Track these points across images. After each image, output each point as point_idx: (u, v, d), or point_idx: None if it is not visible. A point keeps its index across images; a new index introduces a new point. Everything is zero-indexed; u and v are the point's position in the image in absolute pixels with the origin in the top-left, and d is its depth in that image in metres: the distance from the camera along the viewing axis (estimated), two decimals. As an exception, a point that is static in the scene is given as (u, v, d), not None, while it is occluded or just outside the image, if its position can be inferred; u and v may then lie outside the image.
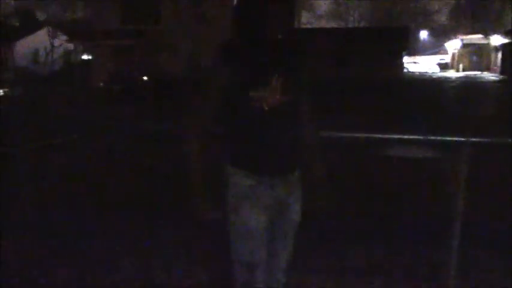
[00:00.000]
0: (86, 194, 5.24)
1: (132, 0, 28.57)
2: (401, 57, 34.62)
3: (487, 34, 43.67)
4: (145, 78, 23.80)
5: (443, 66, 51.67)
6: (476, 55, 48.38)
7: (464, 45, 48.95)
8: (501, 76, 37.65)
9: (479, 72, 44.23)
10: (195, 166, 2.20)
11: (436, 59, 54.89)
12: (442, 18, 63.99)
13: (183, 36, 26.87)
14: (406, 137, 3.83)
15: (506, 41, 39.34)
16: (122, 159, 7.13)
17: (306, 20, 59.81)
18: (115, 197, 5.14)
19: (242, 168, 2.19)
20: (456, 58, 51.26)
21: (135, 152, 7.47)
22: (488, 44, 44.68)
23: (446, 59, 54.25)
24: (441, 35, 55.56)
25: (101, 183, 5.63)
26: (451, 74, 44.94)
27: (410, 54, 51.42)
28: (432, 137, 3.59)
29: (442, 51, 56.50)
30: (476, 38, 46.51)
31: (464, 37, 48.88)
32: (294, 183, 2.28)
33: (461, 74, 44.61)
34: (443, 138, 3.29)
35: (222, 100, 2.15)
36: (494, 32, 43.37)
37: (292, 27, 2.17)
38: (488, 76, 40.09)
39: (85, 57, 36.88)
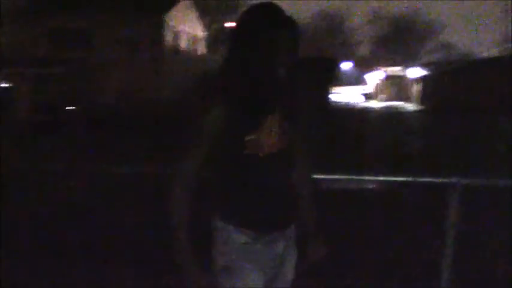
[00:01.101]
0: None
1: (61, 27, 27.81)
2: (328, 88, 35.73)
3: (406, 66, 46.16)
4: (72, 107, 22.97)
5: (366, 97, 53.83)
6: (396, 86, 50.89)
7: (386, 77, 51.43)
8: (421, 106, 39.74)
9: (400, 103, 46.44)
10: (180, 226, 1.90)
11: (359, 89, 57.16)
12: (364, 50, 67.12)
13: (116, 65, 26.37)
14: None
15: (423, 73, 41.80)
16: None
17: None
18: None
19: (235, 223, 1.92)
20: (378, 89, 53.67)
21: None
22: (408, 75, 47.19)
23: (368, 89, 56.66)
24: (363, 66, 58.05)
25: None
26: (374, 104, 46.89)
27: (335, 84, 53.17)
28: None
29: (364, 83, 58.97)
30: (397, 70, 49.05)
31: (385, 69, 51.41)
32: (291, 238, 2.07)
33: (383, 104, 46.65)
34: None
35: (212, 145, 1.89)
36: (413, 64, 45.98)
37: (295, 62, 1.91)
38: (409, 106, 42.19)
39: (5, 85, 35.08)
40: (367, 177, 3.59)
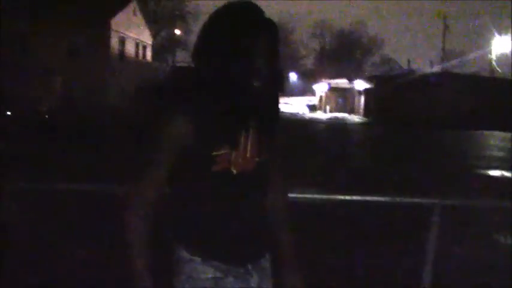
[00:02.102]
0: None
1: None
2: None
3: (351, 79, 47.25)
4: (8, 113, 21.82)
5: (312, 108, 54.66)
6: (341, 98, 51.96)
7: (331, 89, 52.45)
8: (364, 118, 40.70)
9: (345, 114, 47.40)
10: (140, 257, 1.59)
11: (305, 100, 57.97)
12: (309, 63, 68.39)
13: (57, 70, 25.39)
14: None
15: (367, 86, 42.86)
16: None
17: (180, 58, 60.13)
18: None
19: (202, 254, 1.61)
20: (323, 100, 54.59)
21: None
22: (352, 88, 48.30)
23: (314, 100, 57.56)
24: (309, 78, 59.01)
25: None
26: (320, 115, 47.63)
27: (282, 95, 53.78)
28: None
29: (310, 94, 59.89)
30: (342, 82, 50.13)
31: (330, 81, 52.45)
32: (266, 269, 1.75)
33: (328, 115, 47.46)
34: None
35: (176, 160, 1.57)
36: (357, 77, 47.15)
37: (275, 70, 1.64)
38: (354, 118, 43.11)
39: None
40: (339, 197, 3.34)
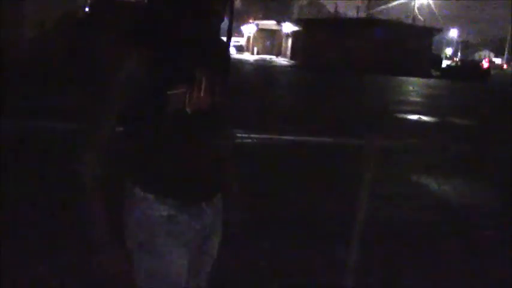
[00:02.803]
0: None
1: None
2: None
3: (279, 21, 47.07)
4: None
5: (239, 49, 54.21)
6: (269, 40, 51.83)
7: (259, 30, 52.08)
8: (291, 61, 41.07)
9: (272, 56, 47.48)
10: (94, 198, 1.58)
11: (232, 41, 57.20)
12: (237, 2, 67.03)
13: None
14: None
15: (295, 28, 43.00)
16: None
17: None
18: None
19: (156, 191, 1.62)
20: (251, 41, 54.23)
21: None
22: (280, 30, 48.23)
23: (242, 41, 57.04)
24: (237, 18, 58.04)
25: None
26: (247, 56, 47.41)
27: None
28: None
29: (238, 34, 59.16)
30: (270, 23, 49.83)
31: (259, 22, 51.99)
32: (219, 207, 1.81)
33: (256, 57, 47.35)
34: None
35: (129, 99, 1.54)
36: (286, 19, 47.02)
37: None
38: (281, 60, 43.33)
39: None
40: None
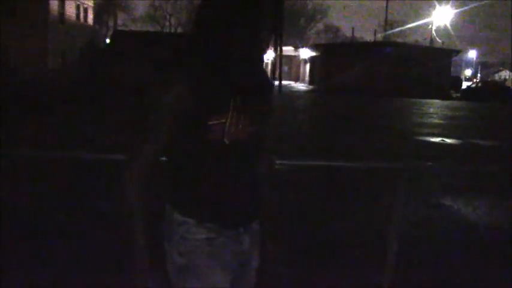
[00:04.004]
0: None
1: None
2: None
3: (296, 47, 47.45)
4: None
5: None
6: (287, 66, 52.18)
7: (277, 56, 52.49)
8: (310, 86, 41.20)
9: (291, 82, 47.71)
10: (139, 217, 1.63)
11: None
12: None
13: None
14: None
15: (312, 54, 43.26)
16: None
17: (121, 21, 58.35)
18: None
19: (196, 216, 1.66)
20: (269, 67, 54.61)
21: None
22: (298, 56, 48.57)
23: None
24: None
25: None
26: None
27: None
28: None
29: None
30: (288, 49, 50.22)
31: (276, 48, 52.38)
32: (257, 232, 1.82)
33: (274, 82, 47.61)
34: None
35: (170, 128, 1.59)
36: (302, 45, 47.40)
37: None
38: (299, 86, 43.51)
39: None
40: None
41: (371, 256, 3.56)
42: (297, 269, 3.67)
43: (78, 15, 36.75)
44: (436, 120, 18.53)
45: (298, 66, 49.65)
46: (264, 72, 1.81)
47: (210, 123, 1.55)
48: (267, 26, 1.56)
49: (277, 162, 2.88)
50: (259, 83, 1.73)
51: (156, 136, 1.61)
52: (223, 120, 1.56)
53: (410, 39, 46.77)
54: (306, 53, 45.33)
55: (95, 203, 4.81)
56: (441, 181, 7.31)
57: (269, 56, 54.60)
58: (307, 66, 45.75)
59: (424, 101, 29.65)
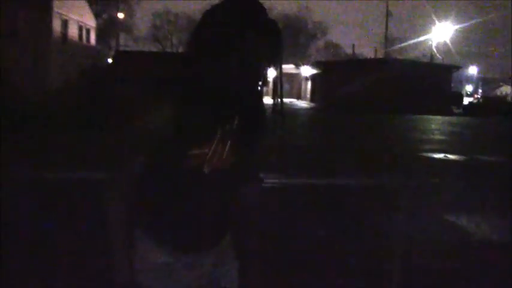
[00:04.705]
0: None
1: None
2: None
3: (297, 65, 47.67)
4: None
5: (259, 93, 54.54)
6: (288, 83, 52.37)
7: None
8: (311, 103, 41.29)
9: (293, 99, 47.84)
10: (117, 235, 1.62)
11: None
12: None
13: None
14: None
15: (313, 71, 43.46)
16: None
17: (123, 41, 58.77)
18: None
19: (156, 237, 1.64)
20: (271, 86, 54.84)
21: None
22: (299, 73, 48.78)
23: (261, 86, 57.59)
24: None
25: None
26: (268, 100, 47.76)
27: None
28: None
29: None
30: (289, 67, 50.47)
31: (277, 66, 52.68)
32: (225, 247, 1.80)
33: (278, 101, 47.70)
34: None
35: (151, 148, 1.56)
36: (303, 62, 47.64)
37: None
38: (301, 103, 43.58)
39: None
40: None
41: (374, 274, 3.51)
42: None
43: (80, 35, 37.08)
44: (438, 136, 18.51)
45: (300, 84, 49.86)
46: (258, 100, 1.72)
47: (191, 152, 1.49)
48: (264, 57, 1.51)
49: (273, 180, 2.87)
50: (251, 113, 1.66)
51: (135, 158, 1.58)
52: (206, 151, 1.49)
53: (410, 56, 47.02)
54: (307, 70, 45.54)
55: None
56: (445, 197, 7.26)
57: (270, 74, 54.98)
58: (309, 83, 45.93)
59: (425, 117, 29.67)
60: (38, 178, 3.45)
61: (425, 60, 44.04)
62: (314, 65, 44.55)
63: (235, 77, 1.50)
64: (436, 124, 25.33)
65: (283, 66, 52.18)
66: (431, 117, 29.98)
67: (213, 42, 1.49)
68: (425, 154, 12.57)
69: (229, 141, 1.52)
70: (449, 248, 5.04)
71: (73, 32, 35.00)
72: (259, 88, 1.62)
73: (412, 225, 4.95)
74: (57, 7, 31.02)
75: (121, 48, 48.08)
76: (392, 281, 3.03)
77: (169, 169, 1.57)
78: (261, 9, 1.52)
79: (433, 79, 35.16)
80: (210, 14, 1.53)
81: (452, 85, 42.86)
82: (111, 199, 1.61)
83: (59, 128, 12.80)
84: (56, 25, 31.29)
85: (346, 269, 4.13)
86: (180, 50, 60.08)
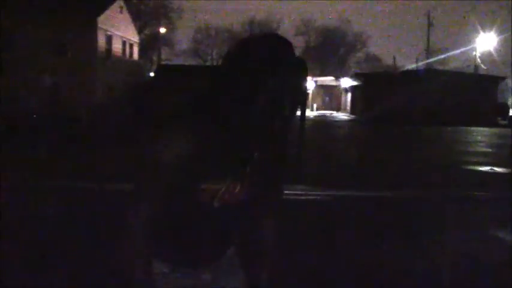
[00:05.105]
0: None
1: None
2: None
3: (337, 76, 47.48)
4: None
5: (298, 106, 54.54)
6: (328, 95, 52.20)
7: (317, 86, 52.64)
8: (351, 115, 40.93)
9: (332, 112, 47.59)
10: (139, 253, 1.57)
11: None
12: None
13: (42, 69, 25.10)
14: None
15: (353, 83, 43.13)
16: None
17: (165, 56, 59.89)
18: None
19: (156, 251, 1.63)
20: (310, 98, 54.79)
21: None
22: (338, 85, 48.54)
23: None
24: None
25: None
26: (307, 113, 47.67)
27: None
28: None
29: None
30: (328, 79, 50.34)
31: (317, 79, 52.63)
32: (228, 264, 1.76)
33: (315, 113, 47.59)
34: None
35: (166, 178, 1.51)
36: (344, 74, 47.38)
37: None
38: (340, 115, 43.29)
39: None
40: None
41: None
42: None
43: (124, 50, 38.06)
44: (484, 149, 18.01)
45: (339, 96, 49.59)
46: (280, 143, 1.63)
47: (205, 187, 1.49)
48: (289, 93, 1.45)
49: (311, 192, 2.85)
50: (271, 150, 1.60)
51: (155, 189, 1.53)
52: (219, 187, 1.48)
53: (453, 67, 46.05)
54: (346, 82, 45.24)
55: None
56: (493, 212, 7.04)
57: (309, 86, 54.89)
58: (348, 95, 45.60)
59: (470, 129, 28.93)
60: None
61: (469, 71, 43.04)
62: (354, 76, 44.21)
63: (261, 114, 1.43)
64: (482, 136, 24.65)
65: (322, 78, 52.13)
66: (476, 128, 29.20)
67: (242, 77, 1.43)
68: (471, 167, 12.25)
69: (242, 181, 1.51)
70: (497, 265, 4.88)
71: (117, 47, 35.96)
72: (283, 125, 1.52)
73: (460, 241, 4.83)
74: (101, 23, 32.00)
75: (163, 62, 49.06)
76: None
77: (178, 199, 1.54)
78: (291, 47, 1.49)
79: (478, 90, 34.31)
80: (243, 47, 1.49)
81: (498, 96, 41.68)
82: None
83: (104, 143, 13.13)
84: (101, 41, 32.24)
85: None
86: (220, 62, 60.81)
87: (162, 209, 1.58)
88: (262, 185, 1.61)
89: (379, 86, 36.10)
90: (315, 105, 52.51)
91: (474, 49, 43.62)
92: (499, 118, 37.10)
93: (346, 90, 46.57)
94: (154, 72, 33.75)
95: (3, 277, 3.47)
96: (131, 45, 40.17)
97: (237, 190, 1.52)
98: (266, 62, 1.41)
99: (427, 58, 47.87)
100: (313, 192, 2.98)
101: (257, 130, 1.48)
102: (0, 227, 4.11)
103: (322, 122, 33.40)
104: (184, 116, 1.54)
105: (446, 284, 2.91)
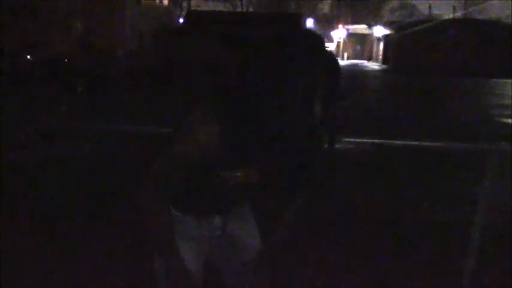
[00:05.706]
0: None
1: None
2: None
3: (370, 25, 46.16)
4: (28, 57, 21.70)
5: (329, 54, 53.65)
6: (359, 44, 51.01)
7: (349, 35, 51.41)
8: (383, 65, 40.08)
9: (363, 61, 46.66)
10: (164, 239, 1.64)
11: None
12: (325, 7, 66.61)
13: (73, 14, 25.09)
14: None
15: (387, 32, 41.94)
16: None
17: (194, 2, 59.04)
18: None
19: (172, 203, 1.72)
20: (341, 47, 53.67)
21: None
22: (371, 34, 47.29)
23: (331, 47, 56.61)
24: (326, 24, 57.67)
25: None
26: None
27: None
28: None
29: (327, 40, 58.75)
30: (360, 28, 48.99)
31: (349, 27, 51.34)
32: (243, 216, 1.87)
33: (346, 62, 46.79)
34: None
35: (188, 160, 1.56)
36: (377, 23, 46.02)
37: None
38: (372, 65, 42.44)
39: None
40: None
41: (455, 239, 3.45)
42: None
43: (153, -5, 37.64)
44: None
45: (371, 45, 48.37)
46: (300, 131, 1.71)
47: (221, 174, 1.55)
48: (318, 93, 1.53)
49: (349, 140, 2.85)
50: (294, 142, 1.68)
51: (178, 162, 1.57)
52: (237, 174, 1.56)
53: (492, 16, 44.17)
54: (379, 31, 44.01)
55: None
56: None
57: (340, 35, 53.59)
58: (381, 44, 44.46)
59: (504, 81, 28.07)
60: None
61: (508, 21, 41.28)
62: (387, 25, 42.94)
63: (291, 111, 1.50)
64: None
65: (355, 26, 50.77)
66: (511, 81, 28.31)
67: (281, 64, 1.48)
68: (505, 120, 12.01)
69: (259, 167, 1.58)
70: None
71: (147, -8, 35.57)
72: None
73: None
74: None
75: (192, 9, 48.45)
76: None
77: (199, 179, 1.61)
78: (323, 43, 1.58)
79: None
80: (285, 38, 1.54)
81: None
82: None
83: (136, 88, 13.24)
84: (131, -15, 31.90)
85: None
86: (250, 9, 59.63)
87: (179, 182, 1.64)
88: (276, 171, 1.76)
89: (413, 36, 35.04)
90: (345, 54, 51.46)
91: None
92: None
93: (378, 39, 45.37)
94: (184, 19, 33.41)
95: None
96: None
97: (251, 175, 1.59)
98: (303, 61, 1.46)
99: (465, 7, 46.03)
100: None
101: (288, 124, 1.55)
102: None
103: (354, 72, 32.83)
104: (212, 99, 1.58)
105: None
